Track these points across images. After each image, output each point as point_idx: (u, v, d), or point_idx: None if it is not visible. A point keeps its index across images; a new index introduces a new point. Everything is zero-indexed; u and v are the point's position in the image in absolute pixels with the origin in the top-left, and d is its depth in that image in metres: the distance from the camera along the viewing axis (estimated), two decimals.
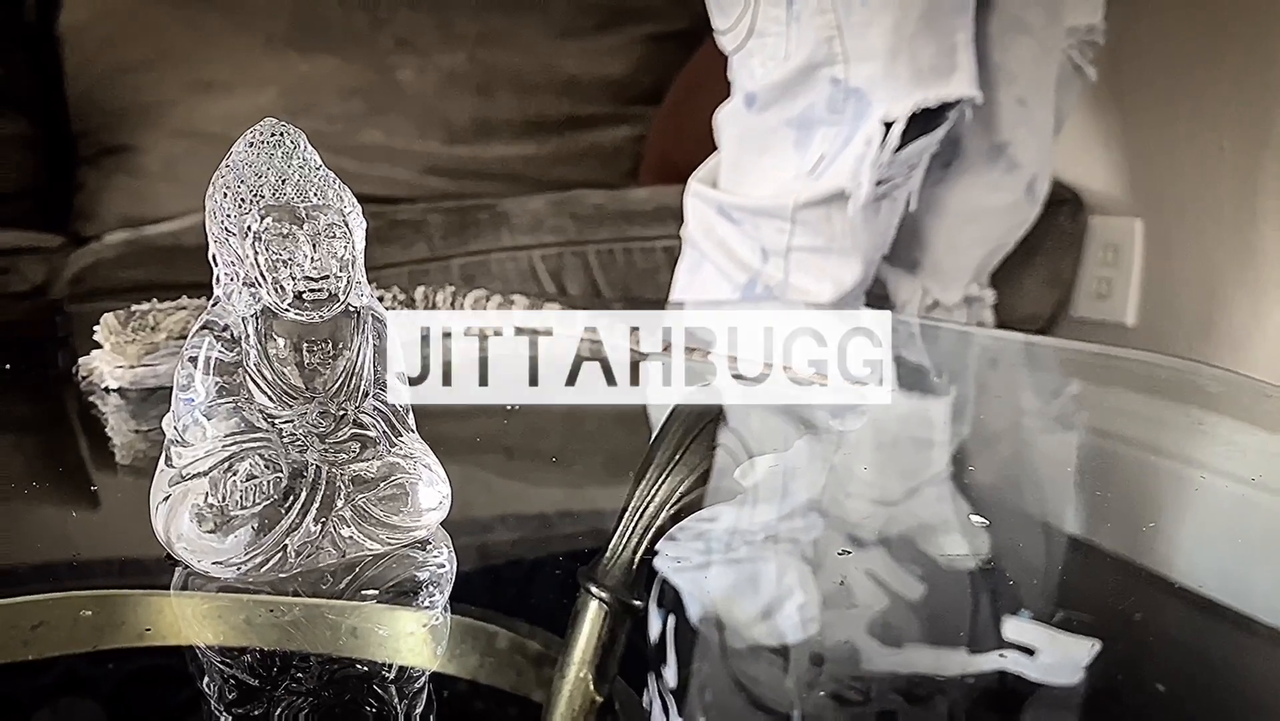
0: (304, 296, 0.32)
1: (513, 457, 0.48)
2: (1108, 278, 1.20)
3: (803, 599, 0.36)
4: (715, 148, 1.33)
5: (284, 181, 0.33)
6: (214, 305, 0.33)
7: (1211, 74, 1.08)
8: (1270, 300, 1.06)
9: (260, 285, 0.31)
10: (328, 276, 0.32)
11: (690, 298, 0.86)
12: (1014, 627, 0.32)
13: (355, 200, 0.34)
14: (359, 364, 0.33)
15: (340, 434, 0.32)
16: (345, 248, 0.32)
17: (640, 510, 0.35)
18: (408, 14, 1.39)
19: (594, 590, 0.32)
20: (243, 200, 0.33)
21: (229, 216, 0.33)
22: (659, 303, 1.00)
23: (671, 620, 0.33)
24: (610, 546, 0.34)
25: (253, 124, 1.40)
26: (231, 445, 0.31)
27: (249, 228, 0.31)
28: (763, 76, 0.76)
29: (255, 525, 0.31)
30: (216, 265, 0.32)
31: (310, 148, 0.35)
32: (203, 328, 0.32)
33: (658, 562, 0.35)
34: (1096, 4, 0.88)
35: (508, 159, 1.39)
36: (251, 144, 0.34)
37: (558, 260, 1.03)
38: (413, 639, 0.31)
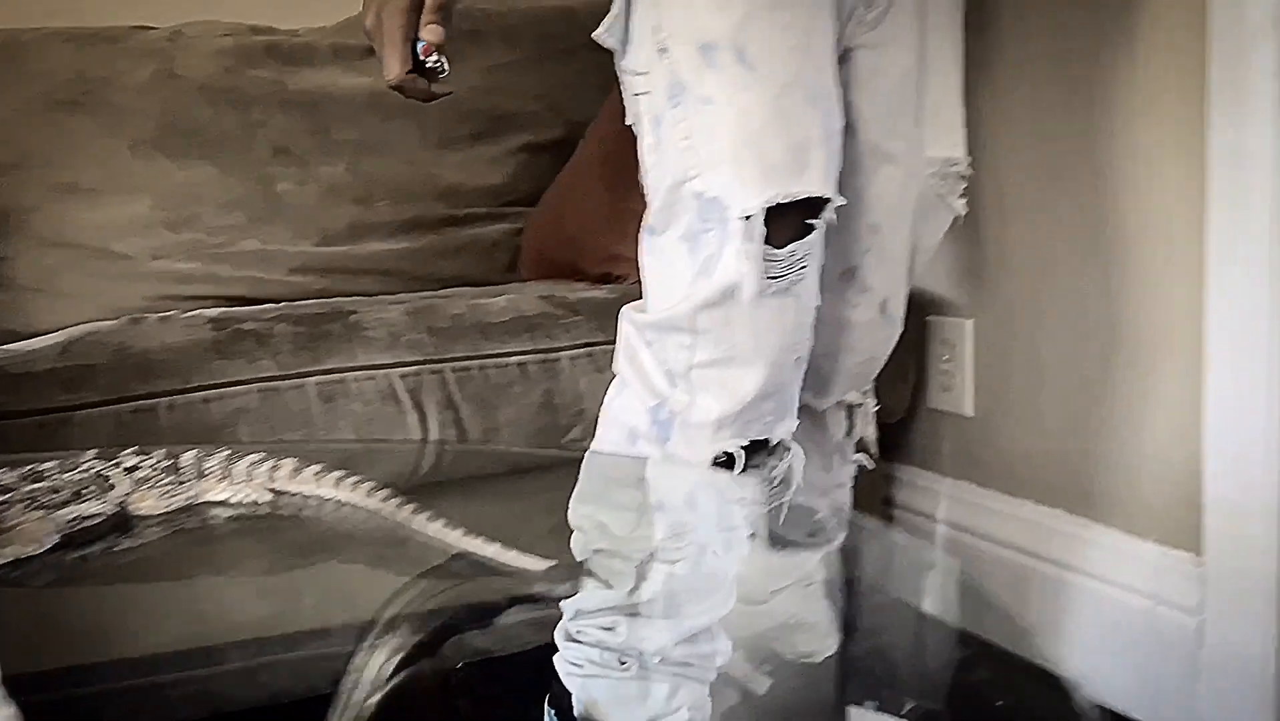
0: None
1: None
2: (948, 371, 1.28)
3: None
4: (589, 246, 1.38)
5: None
6: None
7: (1049, 188, 1.18)
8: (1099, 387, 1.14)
9: None
10: None
11: (607, 419, 0.87)
12: None
13: None
14: None
15: None
16: None
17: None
18: (283, 120, 1.42)
19: None
20: None
21: None
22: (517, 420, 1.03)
23: None
24: None
25: (130, 233, 1.42)
26: None
27: None
28: (651, 205, 0.81)
29: None
30: None
31: None
32: None
33: None
34: (957, 139, 0.93)
35: (381, 255, 1.41)
36: None
37: (416, 379, 1.05)
38: None
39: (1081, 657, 1.15)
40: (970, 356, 1.27)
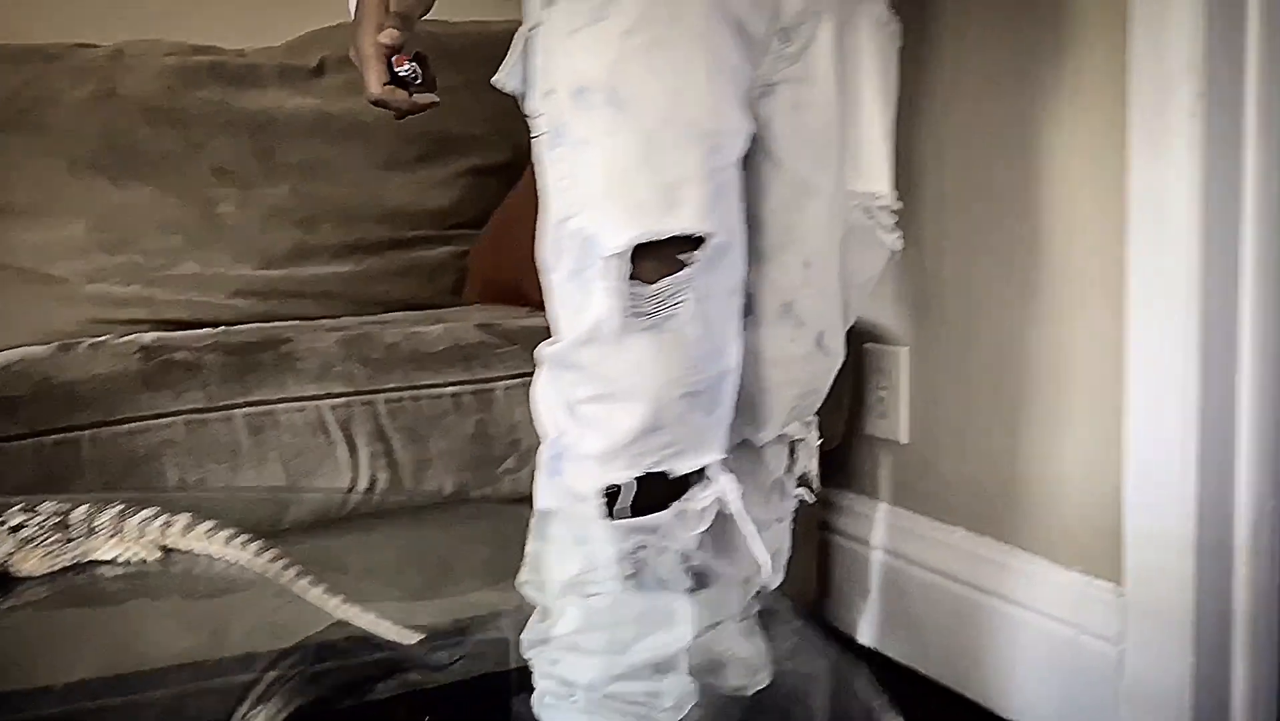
0: None
1: None
2: (884, 399, 1.30)
3: None
4: (533, 271, 1.38)
5: None
6: None
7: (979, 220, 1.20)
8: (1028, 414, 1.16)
9: None
10: None
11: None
12: None
13: None
14: None
15: None
16: None
17: None
18: (225, 141, 1.41)
19: None
20: None
21: None
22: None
23: None
24: None
25: (66, 255, 1.40)
26: None
27: None
28: (544, 243, 0.83)
29: None
30: None
31: None
32: None
33: None
34: (882, 173, 0.92)
35: (324, 278, 1.40)
36: None
37: (346, 410, 1.05)
38: None
39: (1006, 684, 1.17)
40: (905, 384, 1.30)
